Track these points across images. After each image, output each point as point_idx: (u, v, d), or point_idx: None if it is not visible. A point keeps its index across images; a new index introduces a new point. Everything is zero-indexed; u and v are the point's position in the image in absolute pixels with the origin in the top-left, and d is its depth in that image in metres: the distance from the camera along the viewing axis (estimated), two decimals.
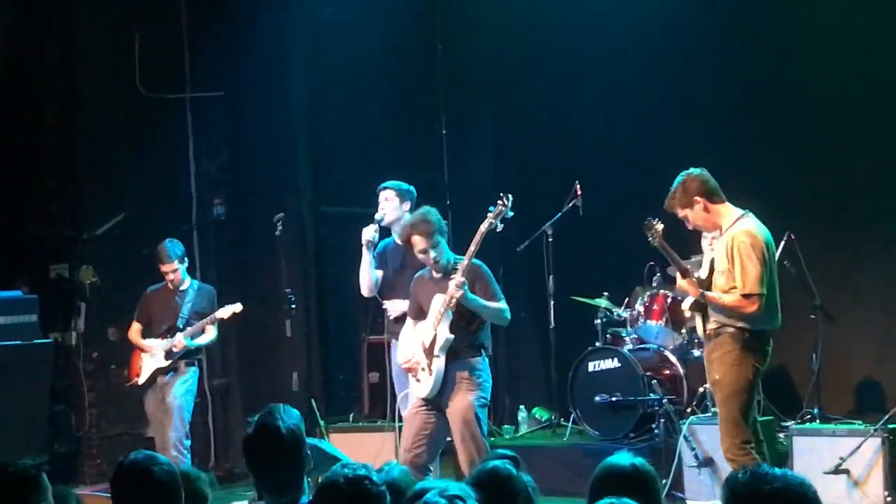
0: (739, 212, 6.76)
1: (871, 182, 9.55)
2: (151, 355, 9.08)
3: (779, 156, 9.77)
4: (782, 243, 8.11)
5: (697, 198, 6.74)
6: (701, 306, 6.76)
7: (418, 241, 7.29)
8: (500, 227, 7.38)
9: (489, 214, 7.29)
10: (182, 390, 9.07)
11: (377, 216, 8.33)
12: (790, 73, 9.86)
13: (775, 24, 9.90)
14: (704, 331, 6.83)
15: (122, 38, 10.70)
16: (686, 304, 6.92)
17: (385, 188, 8.44)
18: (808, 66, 9.73)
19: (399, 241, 8.20)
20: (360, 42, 10.92)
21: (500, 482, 3.98)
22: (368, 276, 8.35)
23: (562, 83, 10.95)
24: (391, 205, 8.36)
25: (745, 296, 6.56)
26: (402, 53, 11.27)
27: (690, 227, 6.90)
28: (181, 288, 9.24)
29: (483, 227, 7.25)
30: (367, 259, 8.33)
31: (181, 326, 9.09)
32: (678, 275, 6.89)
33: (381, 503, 3.63)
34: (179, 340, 9.00)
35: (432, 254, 7.30)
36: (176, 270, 9.17)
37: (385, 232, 8.51)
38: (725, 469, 8.06)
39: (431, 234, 7.24)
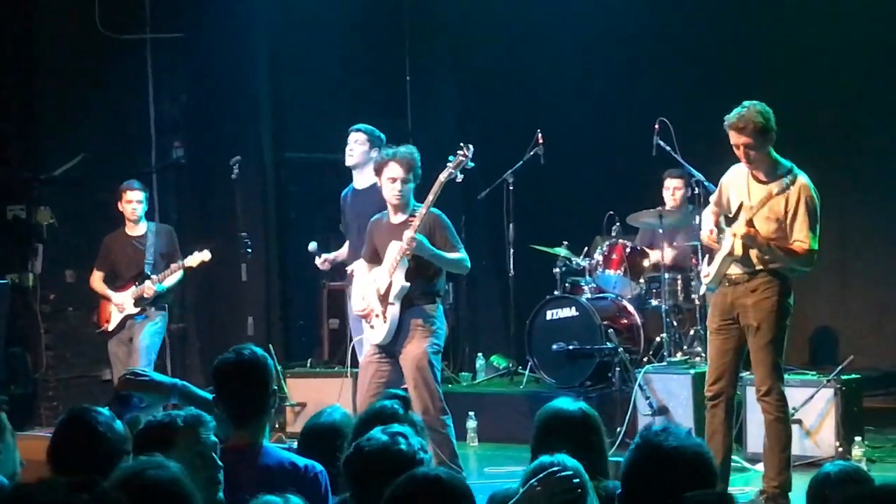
0: (787, 162, 6.57)
1: (830, 137, 9.60)
2: (122, 309, 9.03)
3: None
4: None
5: (773, 133, 6.48)
6: (745, 249, 6.60)
7: (395, 168, 7.18)
8: (459, 177, 7.29)
9: (449, 164, 7.21)
10: (151, 331, 9.04)
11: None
12: (758, 26, 9.89)
13: None
14: (725, 274, 6.63)
15: None
16: (727, 246, 6.57)
17: (357, 130, 8.33)
18: (778, 17, 9.76)
19: (357, 187, 8.15)
20: None
21: (386, 420, 4.06)
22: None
23: (527, 32, 10.92)
24: (360, 148, 8.27)
25: (808, 249, 6.46)
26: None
27: (741, 155, 6.49)
28: (139, 232, 9.17)
29: (442, 177, 7.15)
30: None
31: (148, 273, 9.03)
32: (742, 225, 6.49)
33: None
34: (149, 286, 8.95)
35: (399, 187, 7.22)
36: (140, 202, 9.11)
37: (346, 177, 8.42)
38: (680, 417, 8.19)
39: (410, 169, 7.19)
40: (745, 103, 6.49)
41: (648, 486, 3.25)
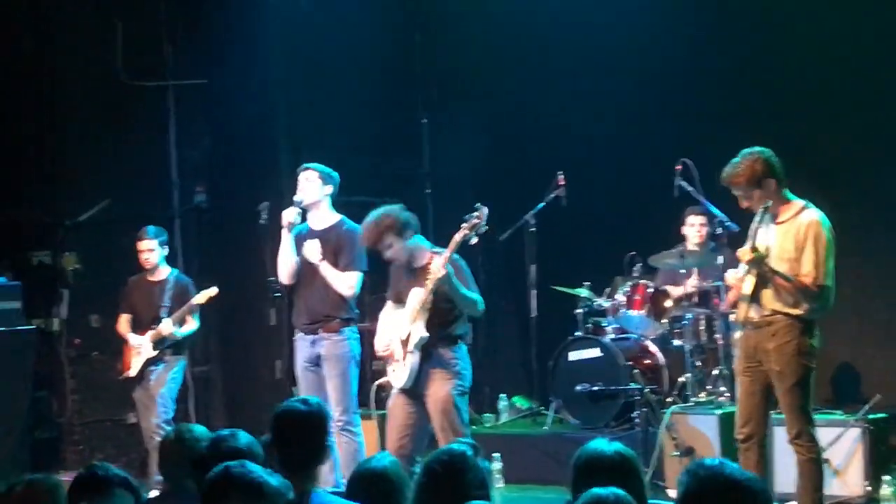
0: (802, 201, 6.66)
1: (850, 175, 9.62)
2: (138, 352, 9.08)
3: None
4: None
5: (770, 179, 6.57)
6: (761, 287, 6.65)
7: (371, 246, 7.37)
8: (474, 239, 7.17)
9: (463, 225, 7.10)
10: (167, 378, 9.09)
11: (296, 198, 8.09)
12: (775, 65, 9.90)
13: (763, 16, 9.93)
14: (747, 316, 6.68)
15: (104, 26, 10.69)
16: (746, 288, 6.65)
17: (307, 168, 8.14)
18: (795, 57, 9.77)
19: (314, 227, 8.07)
20: (340, 29, 10.90)
21: (455, 463, 4.10)
22: (290, 260, 8.07)
23: (545, 72, 10.97)
24: (312, 186, 8.09)
25: (817, 285, 6.51)
26: (383, 41, 11.26)
27: (745, 206, 6.66)
28: (159, 277, 9.23)
29: (457, 237, 7.09)
30: (286, 242, 8.06)
31: (163, 316, 9.09)
32: (746, 250, 6.63)
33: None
34: (165, 326, 9.01)
35: (396, 256, 7.32)
36: (152, 251, 9.18)
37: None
38: (706, 457, 8.17)
39: (398, 233, 7.25)
40: (742, 152, 6.61)
41: None
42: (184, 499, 4.50)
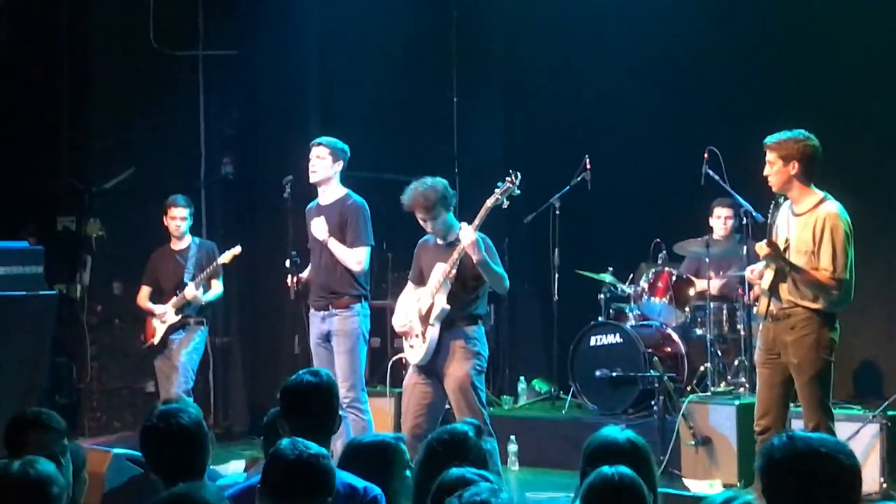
0: (821, 193, 6.60)
1: (880, 169, 9.54)
2: (162, 320, 9.10)
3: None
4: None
5: (801, 165, 6.48)
6: (779, 281, 6.64)
7: (418, 210, 7.32)
8: (506, 203, 7.25)
9: (496, 190, 7.18)
10: (189, 348, 9.11)
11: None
12: (804, 46, 9.81)
13: (802, 3, 9.84)
14: (768, 309, 6.64)
15: None
16: (765, 281, 6.64)
17: (318, 144, 7.98)
18: (826, 39, 9.68)
19: (322, 203, 8.03)
20: (375, 5, 10.89)
21: (455, 443, 4.14)
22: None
23: (575, 55, 10.92)
24: (324, 163, 7.96)
25: (835, 279, 6.45)
26: (417, 19, 11.22)
27: (767, 174, 6.57)
28: (183, 246, 9.26)
29: (489, 203, 7.16)
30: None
31: (187, 282, 9.11)
32: (762, 244, 6.59)
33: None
34: (189, 290, 9.02)
35: (429, 225, 7.33)
36: (185, 218, 9.22)
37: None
38: (723, 447, 8.16)
39: (434, 205, 7.25)
40: (798, 130, 6.55)
41: (793, 481, 3.24)
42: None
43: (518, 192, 7.22)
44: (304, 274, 8.15)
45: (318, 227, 7.89)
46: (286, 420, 4.53)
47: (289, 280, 8.08)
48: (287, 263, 8.13)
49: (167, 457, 4.11)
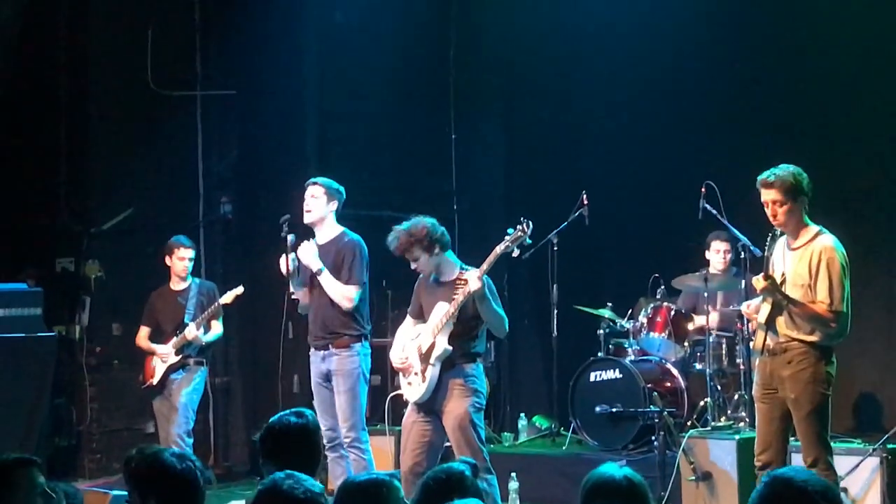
0: (817, 227, 6.61)
1: (877, 200, 9.55)
2: (162, 360, 9.10)
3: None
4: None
5: (804, 198, 6.52)
6: (776, 315, 6.64)
7: (397, 253, 7.37)
8: (516, 252, 7.17)
9: (507, 238, 7.08)
10: (189, 388, 9.11)
11: (282, 219, 8.08)
12: (799, 81, 9.85)
13: (788, 31, 9.88)
14: (764, 344, 6.65)
15: (135, 34, 10.74)
16: (762, 316, 6.65)
17: (314, 183, 7.99)
18: (820, 75, 9.72)
19: (319, 242, 8.00)
20: (372, 44, 10.94)
21: (451, 482, 4.12)
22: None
23: (572, 91, 10.98)
24: (318, 203, 7.97)
25: (832, 311, 6.44)
26: (414, 57, 11.29)
27: (770, 214, 6.54)
28: (183, 286, 9.26)
29: (498, 249, 7.08)
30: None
31: (188, 323, 9.11)
32: (759, 278, 6.60)
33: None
34: (190, 330, 9.03)
35: (414, 265, 7.36)
36: (191, 259, 9.25)
37: (306, 231, 8.19)
38: (724, 482, 8.13)
39: (428, 246, 7.26)
40: (782, 165, 6.56)
41: None
42: None
43: (529, 240, 7.15)
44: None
45: (307, 252, 7.84)
46: (271, 460, 4.59)
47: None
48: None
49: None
